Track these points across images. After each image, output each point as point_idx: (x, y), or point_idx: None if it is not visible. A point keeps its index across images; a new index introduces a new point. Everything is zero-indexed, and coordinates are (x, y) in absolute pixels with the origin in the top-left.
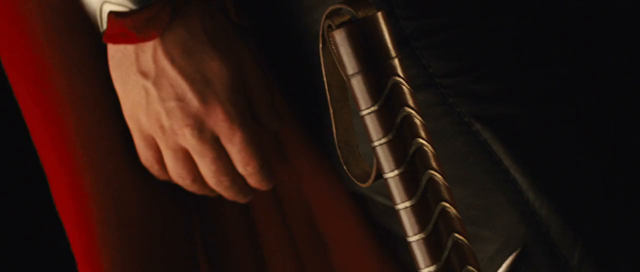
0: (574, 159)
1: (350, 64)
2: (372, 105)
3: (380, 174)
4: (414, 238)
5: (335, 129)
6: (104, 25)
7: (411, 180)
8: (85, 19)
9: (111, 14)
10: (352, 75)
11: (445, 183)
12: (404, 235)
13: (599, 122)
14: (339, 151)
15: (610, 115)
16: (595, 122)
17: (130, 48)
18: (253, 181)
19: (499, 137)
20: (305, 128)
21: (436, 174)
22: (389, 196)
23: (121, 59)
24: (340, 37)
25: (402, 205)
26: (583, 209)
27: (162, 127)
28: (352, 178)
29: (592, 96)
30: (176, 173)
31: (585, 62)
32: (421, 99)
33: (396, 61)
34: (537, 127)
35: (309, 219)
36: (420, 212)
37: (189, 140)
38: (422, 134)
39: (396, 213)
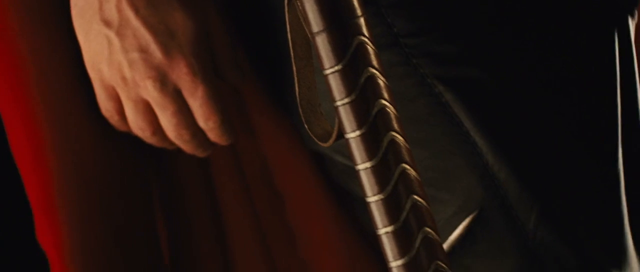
0: (534, 125)
1: (315, 21)
2: (336, 65)
3: (341, 134)
4: (373, 199)
5: (298, 87)
6: None
7: (372, 141)
8: None
9: None
10: (317, 33)
11: (406, 145)
12: (363, 195)
13: (563, 90)
14: (300, 110)
15: (575, 86)
16: (558, 90)
17: None
18: (213, 135)
19: (460, 100)
20: (267, 85)
21: (397, 135)
22: (349, 156)
23: (84, 7)
24: None
25: (363, 166)
26: (541, 174)
27: (123, 78)
28: (313, 137)
29: (558, 66)
30: (136, 125)
31: (556, 34)
32: (385, 58)
33: (362, 20)
34: (500, 91)
35: (267, 177)
36: (380, 173)
37: (150, 92)
38: (385, 95)
39: (356, 173)
